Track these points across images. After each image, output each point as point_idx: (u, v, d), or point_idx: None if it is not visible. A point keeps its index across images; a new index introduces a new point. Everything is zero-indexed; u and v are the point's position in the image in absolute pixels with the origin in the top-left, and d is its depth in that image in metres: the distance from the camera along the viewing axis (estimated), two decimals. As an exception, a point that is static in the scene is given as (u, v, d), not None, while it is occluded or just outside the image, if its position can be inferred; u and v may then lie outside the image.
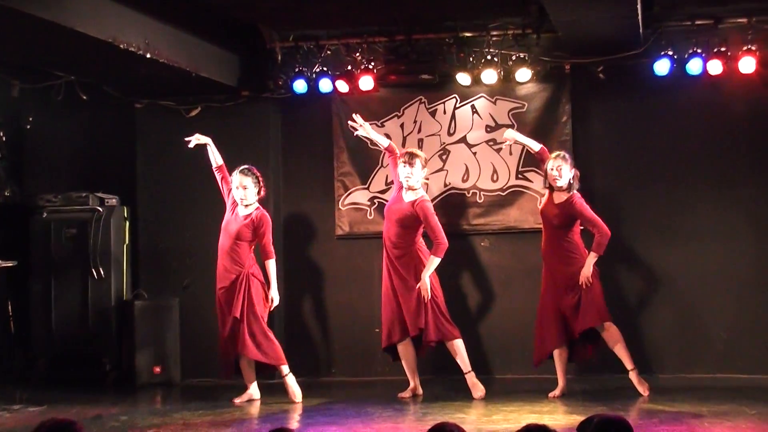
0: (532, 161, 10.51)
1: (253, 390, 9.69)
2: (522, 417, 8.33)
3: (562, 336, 9.48)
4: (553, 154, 9.54)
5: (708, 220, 10.66)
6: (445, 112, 11.10)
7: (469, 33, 10.74)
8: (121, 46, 8.99)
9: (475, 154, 11.02)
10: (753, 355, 10.46)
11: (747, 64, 10.10)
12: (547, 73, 10.79)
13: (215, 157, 9.76)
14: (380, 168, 11.05)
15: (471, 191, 11.02)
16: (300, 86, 10.85)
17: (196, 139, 9.79)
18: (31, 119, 11.70)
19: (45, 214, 11.10)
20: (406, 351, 9.64)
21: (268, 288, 9.55)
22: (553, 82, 10.86)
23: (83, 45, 8.88)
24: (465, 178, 11.04)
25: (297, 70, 10.87)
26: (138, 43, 9.21)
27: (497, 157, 10.98)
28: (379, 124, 10.90)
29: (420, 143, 10.94)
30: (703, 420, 7.96)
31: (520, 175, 10.91)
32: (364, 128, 9.95)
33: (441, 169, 11.03)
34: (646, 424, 7.83)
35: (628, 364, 9.44)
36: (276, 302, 9.63)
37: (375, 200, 11.15)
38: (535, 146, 9.77)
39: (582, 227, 9.55)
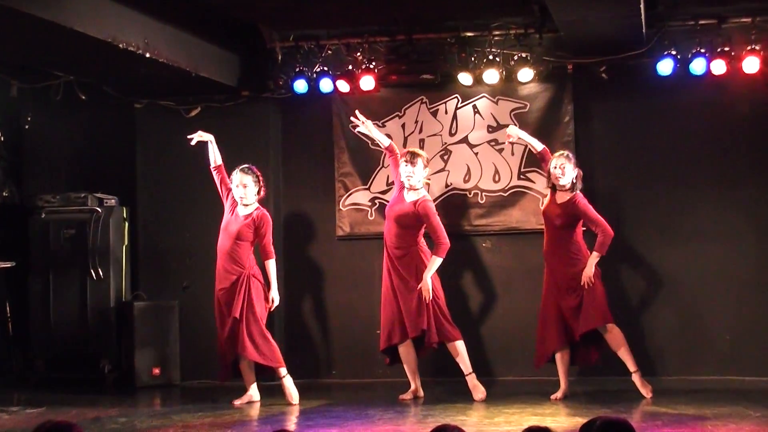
0: (534, 162, 10.48)
1: (253, 392, 9.65)
2: (524, 419, 8.30)
3: (563, 337, 9.43)
4: (557, 153, 9.51)
5: (710, 220, 10.63)
6: (446, 112, 11.07)
7: (470, 33, 10.70)
8: (121, 45, 8.97)
9: (476, 154, 10.99)
10: (756, 357, 10.44)
11: (750, 64, 10.07)
12: (550, 73, 10.76)
13: (215, 156, 9.70)
14: (381, 168, 11.02)
15: (472, 192, 10.98)
16: (300, 86, 10.82)
17: (198, 136, 9.74)
18: (29, 119, 11.68)
19: (44, 215, 11.07)
20: (407, 352, 9.59)
21: (269, 289, 9.51)
22: (555, 82, 10.83)
23: (82, 45, 8.85)
24: (466, 178, 11.00)
25: (297, 69, 10.83)
26: (137, 43, 9.18)
27: (499, 158, 10.94)
28: (380, 125, 10.85)
29: (421, 143, 10.90)
30: (706, 422, 7.92)
31: (522, 176, 10.88)
32: (365, 125, 9.89)
33: (442, 170, 10.99)
34: (648, 426, 7.79)
35: (631, 366, 9.40)
36: (276, 302, 9.58)
37: (376, 201, 11.11)
38: (537, 146, 9.71)
39: (584, 228, 9.50)
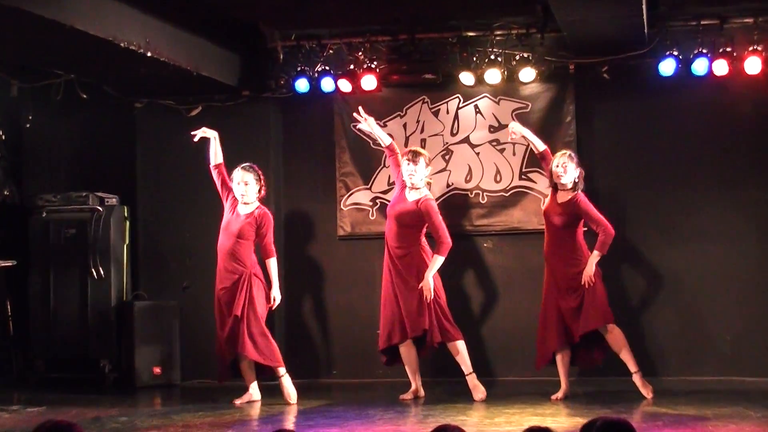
0: (535, 162, 10.45)
1: (254, 391, 9.63)
2: (524, 419, 8.27)
3: (563, 337, 9.42)
4: (559, 153, 9.49)
5: (712, 221, 10.62)
6: (448, 112, 11.05)
7: (472, 32, 10.69)
8: (121, 44, 8.96)
9: (478, 154, 10.98)
10: (757, 357, 10.43)
11: (753, 65, 10.06)
12: (551, 73, 10.75)
13: (216, 155, 9.67)
14: (382, 168, 11.00)
15: (474, 192, 10.97)
16: (302, 85, 10.81)
17: (202, 132, 9.72)
18: (30, 118, 11.66)
19: (44, 214, 11.07)
20: (408, 352, 9.57)
21: (269, 288, 9.50)
22: (557, 82, 10.81)
23: (83, 43, 8.84)
24: (468, 178, 10.99)
25: (299, 69, 10.82)
26: (138, 42, 9.17)
27: (500, 158, 10.92)
28: (382, 124, 10.83)
29: (423, 143, 10.87)
30: (707, 423, 7.90)
31: (523, 176, 10.86)
32: (367, 122, 9.87)
33: (444, 170, 10.97)
34: (649, 427, 7.77)
35: (632, 367, 9.38)
36: (278, 301, 9.57)
37: (377, 200, 11.10)
38: (539, 145, 9.67)
39: (585, 228, 9.49)
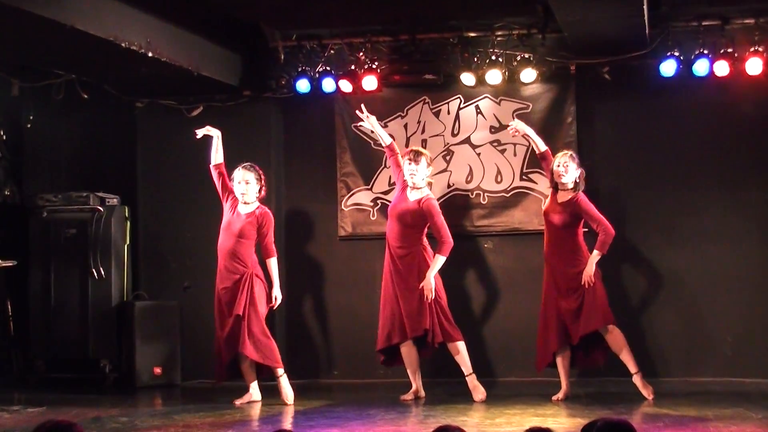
0: (536, 163, 10.44)
1: (254, 391, 9.63)
2: (525, 420, 8.27)
3: (563, 338, 9.40)
4: (561, 152, 9.48)
5: (713, 222, 10.61)
6: (449, 113, 11.05)
7: (473, 33, 10.69)
8: (122, 44, 8.95)
9: (479, 155, 10.97)
10: (758, 358, 10.42)
11: (754, 66, 10.05)
12: (552, 74, 10.74)
13: (217, 154, 9.66)
14: (383, 168, 10.99)
15: (475, 192, 10.96)
16: (303, 86, 10.80)
17: (206, 130, 9.71)
18: (31, 118, 11.66)
19: (45, 214, 11.06)
20: (408, 353, 9.56)
21: (270, 287, 9.50)
22: (558, 83, 10.81)
23: (84, 43, 8.83)
24: (469, 179, 10.98)
25: (300, 69, 10.81)
26: (139, 42, 9.16)
27: (501, 158, 10.92)
28: (383, 125, 10.79)
29: (424, 144, 10.86)
30: (708, 424, 7.90)
31: (524, 177, 10.86)
32: (369, 120, 9.86)
33: (445, 170, 10.97)
34: (650, 428, 7.77)
35: (632, 368, 9.37)
36: (279, 300, 9.57)
37: (378, 201, 11.10)
38: (541, 146, 9.66)
39: (586, 229, 9.48)
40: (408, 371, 9.63)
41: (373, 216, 11.13)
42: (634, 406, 8.96)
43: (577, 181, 9.35)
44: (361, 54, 10.76)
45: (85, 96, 11.00)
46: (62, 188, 11.35)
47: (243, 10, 10.43)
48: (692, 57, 10.13)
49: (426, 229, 9.52)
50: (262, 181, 9.59)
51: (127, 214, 11.15)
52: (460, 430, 4.48)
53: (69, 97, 11.06)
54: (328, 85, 10.76)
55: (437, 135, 11.03)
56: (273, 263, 9.54)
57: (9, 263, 10.22)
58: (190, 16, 9.92)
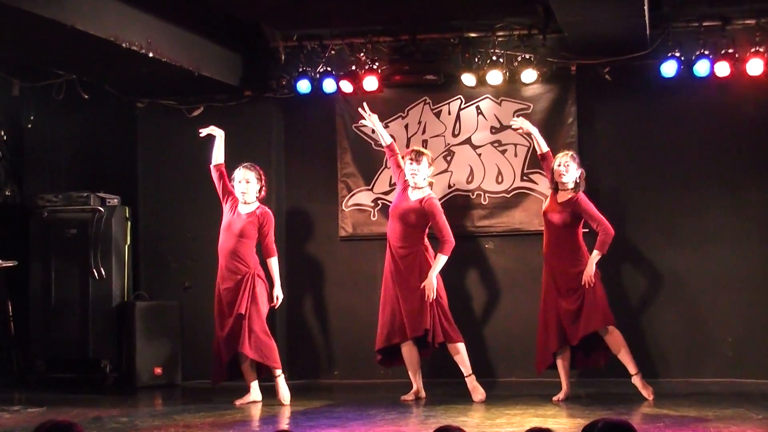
0: (537, 163, 10.43)
1: (255, 391, 9.62)
2: (526, 420, 8.26)
3: (563, 338, 9.39)
4: (561, 152, 9.48)
5: (714, 222, 10.61)
6: (449, 113, 11.05)
7: (474, 33, 10.69)
8: (123, 44, 8.95)
9: (479, 155, 10.97)
10: (759, 359, 10.42)
11: (755, 66, 10.05)
12: (553, 74, 10.74)
13: (218, 154, 9.64)
14: (384, 169, 10.99)
15: (475, 193, 10.96)
16: (303, 86, 10.81)
17: (210, 130, 9.70)
18: (32, 118, 11.66)
19: (45, 214, 11.06)
20: (409, 353, 9.55)
21: (271, 287, 9.50)
22: (558, 83, 10.81)
23: (84, 43, 8.83)
24: (469, 179, 10.98)
25: (300, 69, 10.82)
26: (140, 42, 9.16)
27: (502, 159, 10.92)
28: (384, 125, 10.80)
29: (424, 144, 10.86)
30: (709, 424, 7.89)
31: (525, 177, 10.86)
32: (370, 119, 9.85)
33: (445, 171, 10.97)
34: (650, 428, 7.76)
35: (632, 369, 9.36)
36: (281, 300, 9.57)
37: (379, 201, 11.10)
38: (543, 147, 9.64)
39: (586, 229, 9.47)
40: (409, 371, 9.63)
41: (374, 216, 11.13)
42: (634, 406, 8.95)
43: (578, 181, 9.34)
44: (362, 54, 10.76)
45: (86, 96, 11.00)
46: (63, 188, 11.35)
47: (244, 10, 10.43)
48: (693, 57, 10.13)
49: (427, 229, 9.52)
50: (263, 181, 9.59)
51: (127, 215, 11.15)
52: (460, 430, 4.49)
53: (69, 97, 11.06)
54: (328, 85, 10.76)
55: (438, 135, 11.03)
56: (274, 263, 9.54)
57: (9, 263, 10.20)
58: (190, 16, 9.93)
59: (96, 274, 10.86)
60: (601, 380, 10.11)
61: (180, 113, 11.24)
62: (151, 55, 9.34)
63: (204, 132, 9.71)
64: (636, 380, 9.37)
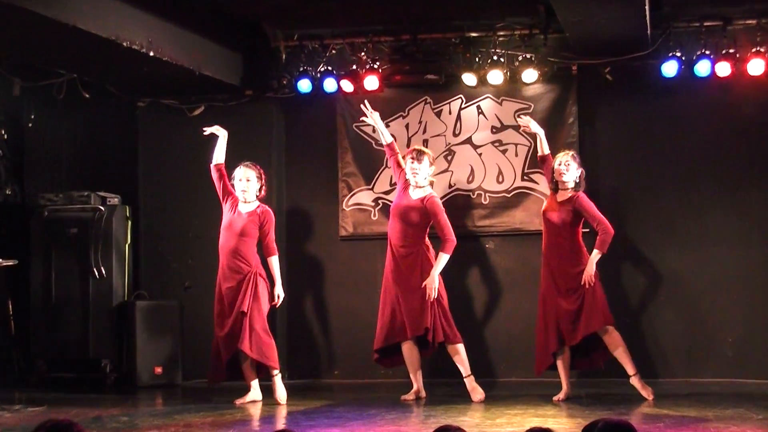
0: (537, 163, 10.43)
1: (255, 391, 9.61)
2: (526, 420, 8.26)
3: (562, 338, 9.38)
4: (562, 152, 9.47)
5: (715, 223, 10.61)
6: (450, 113, 11.05)
7: (475, 33, 10.69)
8: (124, 44, 8.96)
9: (480, 155, 10.97)
10: (759, 359, 10.42)
11: (756, 66, 10.05)
12: (554, 74, 10.74)
13: (219, 154, 9.63)
14: (384, 169, 10.99)
15: (476, 192, 10.96)
16: (304, 86, 10.81)
17: (214, 129, 9.70)
18: (32, 117, 11.66)
19: (46, 213, 11.07)
20: (410, 352, 9.54)
21: (272, 286, 9.50)
22: (559, 83, 10.81)
23: (85, 43, 8.84)
24: (470, 179, 10.98)
25: (301, 69, 10.82)
26: (141, 42, 9.16)
27: (503, 159, 10.91)
28: (384, 125, 10.81)
29: (425, 144, 10.86)
30: (709, 425, 7.88)
31: (525, 177, 10.86)
32: (372, 116, 9.84)
33: (446, 170, 10.96)
34: (650, 428, 7.75)
35: (630, 370, 9.34)
36: (282, 298, 9.57)
37: (379, 201, 11.10)
38: (546, 149, 9.62)
39: (586, 229, 9.47)
40: (409, 371, 9.62)
41: (375, 216, 11.13)
42: (634, 406, 8.95)
43: (578, 180, 9.34)
44: (363, 54, 10.76)
45: (87, 95, 11.01)
46: (63, 187, 11.36)
47: (245, 9, 10.44)
48: (694, 58, 10.13)
49: (428, 229, 9.51)
50: (263, 180, 9.58)
51: (128, 214, 11.15)
52: (460, 430, 4.48)
53: (70, 97, 11.06)
54: (329, 85, 10.76)
55: (439, 135, 11.04)
56: (275, 261, 9.54)
57: (10, 262, 10.21)
58: (191, 15, 9.93)
59: (96, 274, 10.87)
60: (601, 380, 10.10)
61: (181, 113, 11.25)
62: (152, 54, 9.35)
63: (208, 131, 9.72)
64: (634, 381, 9.35)
